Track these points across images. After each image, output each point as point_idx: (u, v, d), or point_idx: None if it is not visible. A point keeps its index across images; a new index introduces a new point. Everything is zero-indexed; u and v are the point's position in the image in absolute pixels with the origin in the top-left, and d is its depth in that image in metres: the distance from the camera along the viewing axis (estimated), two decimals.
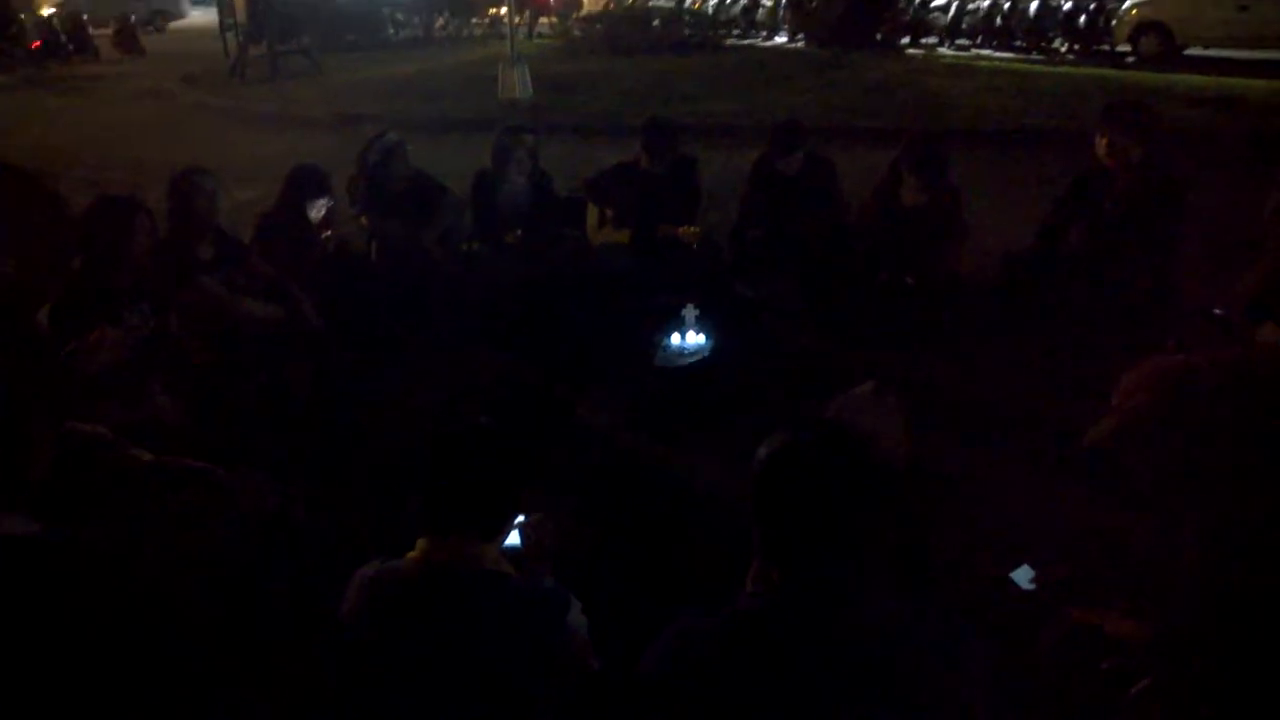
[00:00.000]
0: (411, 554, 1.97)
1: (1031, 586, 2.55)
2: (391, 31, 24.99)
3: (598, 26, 21.03)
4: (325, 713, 2.12)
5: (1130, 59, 16.66)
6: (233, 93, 15.79)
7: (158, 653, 2.17)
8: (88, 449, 2.41)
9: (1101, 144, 4.52)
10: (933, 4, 20.12)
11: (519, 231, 5.68)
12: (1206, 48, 16.31)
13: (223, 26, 21.22)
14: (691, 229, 5.53)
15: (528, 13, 22.75)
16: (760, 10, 23.03)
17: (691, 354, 4.72)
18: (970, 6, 19.46)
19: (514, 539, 2.29)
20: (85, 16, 24.17)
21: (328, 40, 20.52)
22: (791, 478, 1.62)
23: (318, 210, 5.15)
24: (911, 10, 19.98)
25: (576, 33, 21.20)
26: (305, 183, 5.14)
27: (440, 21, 25.88)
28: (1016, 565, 2.63)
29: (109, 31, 24.63)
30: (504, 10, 25.58)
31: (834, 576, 1.59)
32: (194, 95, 15.95)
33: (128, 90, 17.13)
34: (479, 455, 1.99)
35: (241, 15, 19.21)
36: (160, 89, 16.86)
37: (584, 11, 26.48)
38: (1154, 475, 2.22)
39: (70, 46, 22.74)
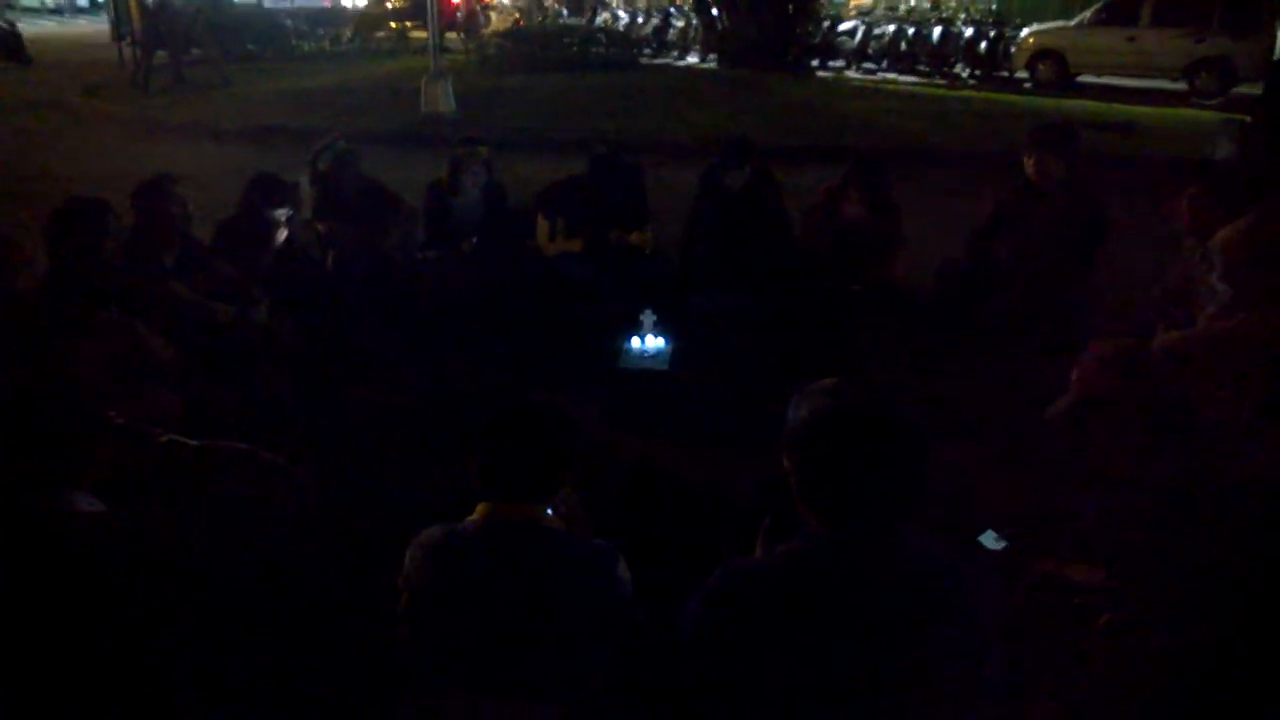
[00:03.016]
0: (473, 517, 2.17)
1: (998, 547, 2.85)
2: (294, 43, 24.69)
3: (511, 43, 21.18)
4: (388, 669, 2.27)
5: (1028, 85, 17.62)
6: (138, 104, 15.42)
7: (208, 622, 2.32)
8: (137, 436, 2.52)
9: (1030, 163, 4.92)
10: (840, 29, 20.91)
11: (474, 240, 5.86)
12: (1098, 75, 17.36)
13: (118, 35, 20.69)
14: (644, 234, 5.80)
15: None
16: (672, 30, 23.54)
17: (652, 356, 4.97)
18: (876, 32, 20.31)
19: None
20: None
21: (227, 51, 20.16)
22: (835, 433, 1.85)
23: (278, 218, 5.24)
24: (820, 34, 20.69)
25: (490, 50, 21.29)
26: (266, 190, 5.23)
27: (346, 34, 25.70)
28: (981, 530, 2.94)
29: None
30: (409, 24, 25.83)
31: (874, 518, 1.84)
32: (97, 106, 15.51)
33: (22, 101, 16.46)
34: (542, 425, 2.21)
35: (137, 24, 18.76)
36: (59, 100, 16.33)
37: (492, 28, 26.62)
38: (1108, 444, 2.54)
39: None
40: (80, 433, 2.16)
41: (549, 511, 2.39)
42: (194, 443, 2.75)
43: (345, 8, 28.89)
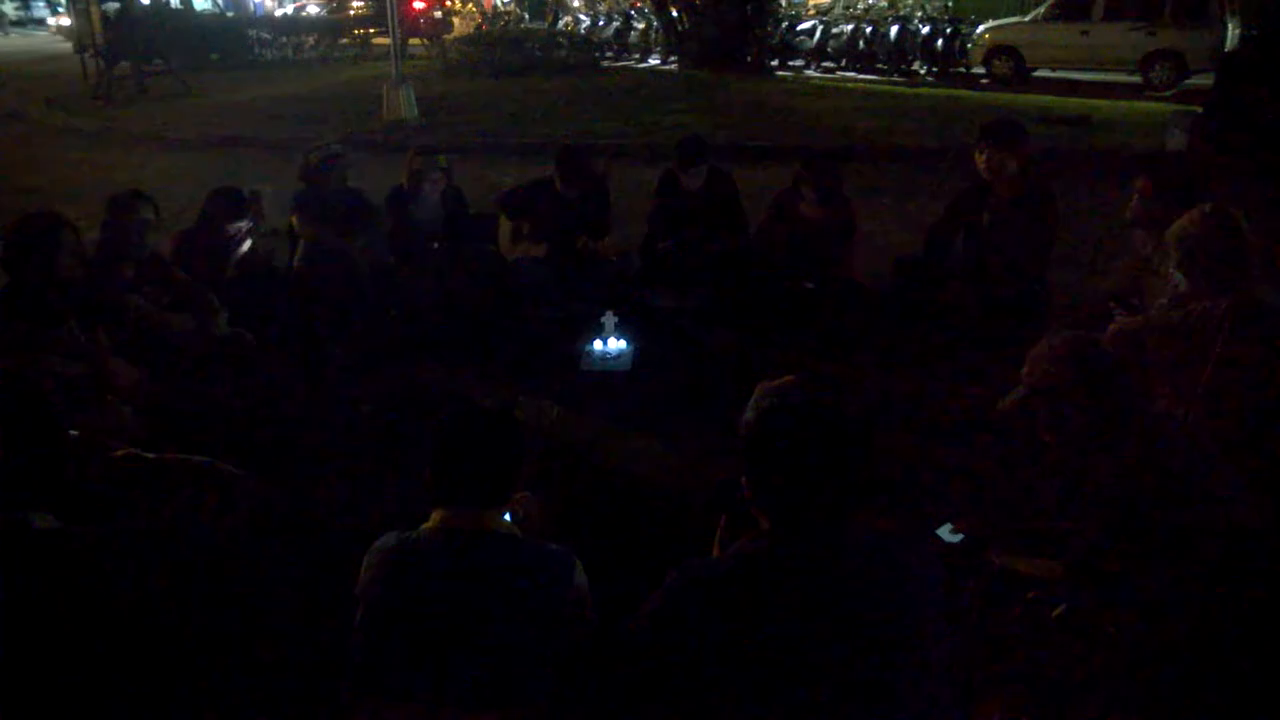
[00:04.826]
0: (428, 525, 2.18)
1: (955, 540, 2.90)
2: (258, 51, 24.50)
3: (474, 48, 21.10)
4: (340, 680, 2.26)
5: (984, 81, 17.73)
6: (101, 115, 15.28)
7: (166, 638, 2.31)
8: (95, 449, 2.51)
9: (980, 159, 4.97)
10: (799, 28, 20.99)
11: (435, 245, 5.87)
12: (1053, 70, 17.51)
13: (80, 46, 20.45)
14: (609, 242, 5.85)
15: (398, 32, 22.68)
16: (633, 33, 23.55)
17: (615, 358, 5.00)
18: (834, 31, 20.38)
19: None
20: None
21: (191, 60, 20.01)
22: (781, 436, 1.89)
23: (236, 230, 5.23)
24: (779, 34, 20.78)
25: (454, 55, 21.21)
26: (225, 203, 5.22)
27: (310, 41, 25.53)
28: (938, 524, 2.98)
29: None
30: (373, 31, 25.72)
31: (823, 517, 1.87)
32: (59, 118, 15.36)
33: None
34: (491, 432, 2.22)
35: (99, 34, 18.57)
36: (19, 112, 16.15)
37: (455, 33, 26.51)
38: (1060, 436, 2.59)
39: None
40: (44, 456, 2.14)
41: (506, 517, 2.40)
42: (151, 456, 2.74)
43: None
